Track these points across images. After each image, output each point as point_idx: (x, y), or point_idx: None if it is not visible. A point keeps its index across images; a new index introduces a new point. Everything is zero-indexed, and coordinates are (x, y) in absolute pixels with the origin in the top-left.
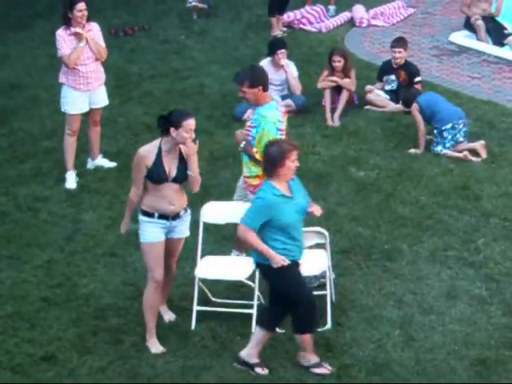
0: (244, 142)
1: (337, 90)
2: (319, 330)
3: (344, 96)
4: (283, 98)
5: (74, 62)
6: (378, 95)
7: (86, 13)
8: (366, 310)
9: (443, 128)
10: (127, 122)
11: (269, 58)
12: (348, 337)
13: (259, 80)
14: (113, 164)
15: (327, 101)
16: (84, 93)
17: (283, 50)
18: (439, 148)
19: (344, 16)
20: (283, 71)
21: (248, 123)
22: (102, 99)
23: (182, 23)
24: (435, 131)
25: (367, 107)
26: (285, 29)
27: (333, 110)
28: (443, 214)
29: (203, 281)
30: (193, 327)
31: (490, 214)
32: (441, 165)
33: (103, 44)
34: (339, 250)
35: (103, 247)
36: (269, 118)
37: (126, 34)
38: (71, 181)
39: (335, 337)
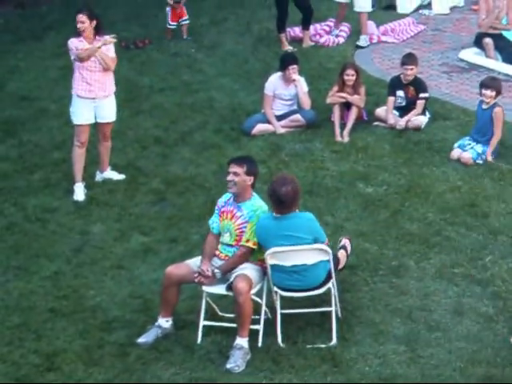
0: (220, 264)
1: (346, 105)
2: (324, 345)
3: (353, 112)
4: (292, 112)
5: (84, 56)
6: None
7: (82, 25)
8: (372, 326)
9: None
10: (136, 135)
11: (279, 73)
12: (354, 352)
13: (255, 171)
14: (122, 176)
15: (336, 116)
16: (87, 100)
17: (294, 66)
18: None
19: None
20: (293, 86)
21: (237, 223)
22: (108, 114)
23: (193, 36)
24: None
25: (376, 123)
26: (312, 43)
27: (342, 126)
28: (451, 231)
29: (210, 295)
30: (199, 341)
31: (498, 231)
32: (449, 182)
33: (113, 54)
34: (346, 266)
35: (111, 259)
36: (264, 206)
37: (136, 47)
38: (79, 193)
39: (341, 352)
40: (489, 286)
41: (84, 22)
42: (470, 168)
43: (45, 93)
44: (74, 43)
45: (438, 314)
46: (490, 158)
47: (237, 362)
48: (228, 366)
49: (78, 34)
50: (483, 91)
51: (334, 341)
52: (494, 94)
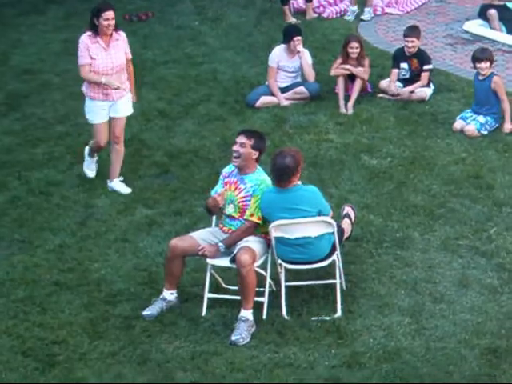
0: (222, 245)
1: (350, 77)
2: (329, 317)
3: (357, 84)
4: (296, 85)
5: (86, 78)
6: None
7: (112, 22)
8: (376, 298)
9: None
10: (140, 108)
11: (283, 45)
12: (359, 324)
13: (261, 147)
14: (128, 190)
15: (340, 88)
16: (104, 102)
17: (299, 37)
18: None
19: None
20: (297, 58)
21: (241, 195)
22: (123, 109)
23: (196, 9)
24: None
25: (380, 95)
26: (315, 15)
27: (346, 98)
28: (455, 203)
29: (215, 268)
30: (203, 313)
31: (503, 203)
32: (453, 153)
33: (129, 54)
34: (350, 238)
35: (115, 232)
36: (267, 180)
37: (139, 20)
38: (121, 187)
39: (346, 324)
40: (493, 258)
41: (113, 19)
42: (475, 140)
43: (47, 66)
44: (86, 45)
45: (442, 285)
46: (510, 126)
47: (242, 334)
48: (233, 338)
49: (93, 29)
50: (477, 65)
51: (339, 313)
52: (488, 64)
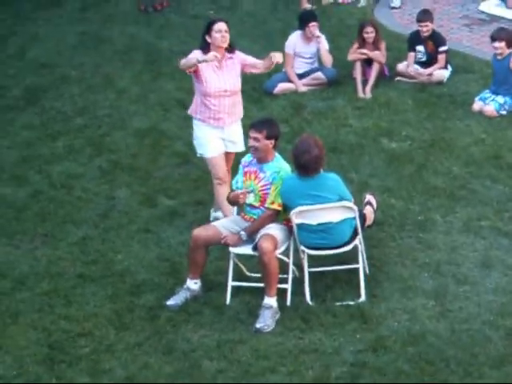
0: (244, 234)
1: (367, 62)
2: (353, 302)
3: (375, 68)
4: (314, 71)
5: (182, 66)
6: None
7: (227, 35)
8: (400, 281)
9: None
10: (158, 98)
11: (299, 31)
12: (383, 308)
13: (276, 134)
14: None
15: (358, 73)
16: (215, 129)
17: (315, 23)
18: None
19: None
20: (313, 44)
21: (261, 184)
22: (236, 142)
23: None
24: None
25: (398, 78)
26: (331, 0)
27: (364, 82)
28: (476, 184)
29: (238, 256)
30: (228, 301)
31: None
32: (473, 134)
33: (257, 63)
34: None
35: (137, 223)
36: (287, 167)
37: (155, 10)
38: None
39: (370, 308)
40: None
41: (225, 32)
42: (494, 120)
43: (65, 59)
44: (194, 53)
45: (465, 267)
46: None
47: (266, 321)
48: (257, 325)
49: (202, 47)
50: (493, 44)
51: (363, 297)
52: (503, 44)
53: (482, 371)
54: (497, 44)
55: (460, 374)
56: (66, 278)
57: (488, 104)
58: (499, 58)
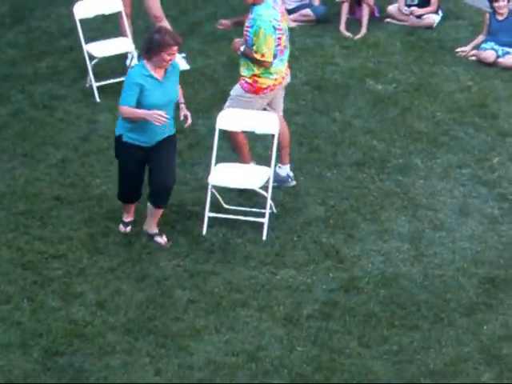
0: (243, 47)
1: (357, 1)
2: (327, 240)
3: (365, 9)
4: (303, 7)
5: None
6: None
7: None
8: (377, 223)
9: None
10: (145, 24)
11: None
12: (358, 249)
13: None
14: (187, 67)
15: (344, 12)
16: None
17: None
18: None
19: None
20: None
21: (246, 24)
22: None
23: None
24: None
25: (388, 20)
26: None
27: (351, 22)
28: (459, 131)
29: (216, 187)
30: (204, 232)
31: (507, 133)
32: (459, 81)
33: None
34: (353, 163)
35: None
36: (265, 17)
37: None
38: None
39: (345, 248)
40: (495, 188)
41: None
42: (481, 68)
43: None
44: None
45: (443, 213)
46: None
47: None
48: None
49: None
50: (495, 4)
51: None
52: (505, 2)
53: (453, 318)
54: (501, 3)
55: (430, 319)
56: (43, 199)
57: (505, 58)
58: (500, 18)
